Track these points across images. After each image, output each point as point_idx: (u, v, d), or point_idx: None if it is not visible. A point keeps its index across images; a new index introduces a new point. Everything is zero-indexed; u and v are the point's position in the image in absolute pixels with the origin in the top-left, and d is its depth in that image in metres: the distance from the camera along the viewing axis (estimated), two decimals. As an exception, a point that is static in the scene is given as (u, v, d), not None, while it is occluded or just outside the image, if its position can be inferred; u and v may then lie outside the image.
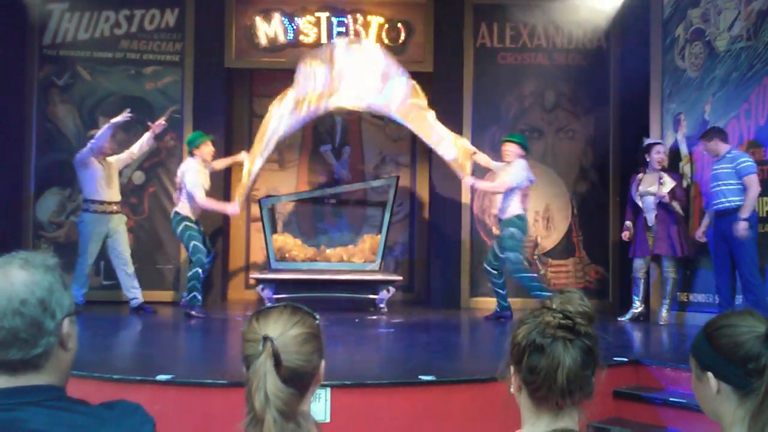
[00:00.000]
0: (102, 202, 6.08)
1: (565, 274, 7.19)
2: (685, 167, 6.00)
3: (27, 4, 6.70)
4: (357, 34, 7.36)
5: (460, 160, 5.98)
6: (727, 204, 5.06)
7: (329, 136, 7.87)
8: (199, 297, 5.89)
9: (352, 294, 6.45)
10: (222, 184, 7.02)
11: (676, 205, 5.71)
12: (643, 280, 5.91)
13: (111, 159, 6.23)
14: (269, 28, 7.32)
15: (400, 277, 6.89)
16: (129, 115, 6.04)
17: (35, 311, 1.14)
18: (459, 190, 7.00)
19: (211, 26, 7.13)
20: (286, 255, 6.83)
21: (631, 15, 6.73)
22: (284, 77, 7.77)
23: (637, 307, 5.89)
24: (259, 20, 7.31)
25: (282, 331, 1.30)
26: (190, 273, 5.94)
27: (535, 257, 7.22)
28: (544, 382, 1.24)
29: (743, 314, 1.37)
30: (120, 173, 6.35)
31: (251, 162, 6.08)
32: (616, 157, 7.22)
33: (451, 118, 7.18)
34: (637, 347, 4.92)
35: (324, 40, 7.33)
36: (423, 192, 7.87)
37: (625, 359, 3.89)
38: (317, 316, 1.39)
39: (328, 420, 2.99)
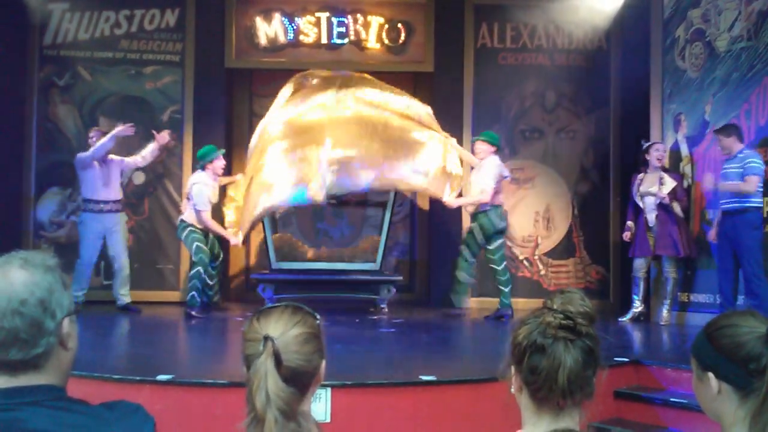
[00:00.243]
0: (99, 202, 6.09)
1: (566, 274, 7.19)
2: (686, 168, 6.00)
3: (27, 5, 6.70)
4: (357, 34, 7.35)
5: (443, 170, 6.01)
6: (735, 204, 5.05)
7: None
8: (198, 297, 5.91)
9: (353, 294, 6.45)
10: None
11: (676, 206, 5.70)
12: (643, 280, 5.90)
13: (114, 158, 6.25)
14: (269, 28, 7.32)
15: (401, 278, 6.88)
16: (132, 128, 6.08)
17: (35, 311, 1.14)
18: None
19: (212, 26, 7.13)
20: (287, 255, 6.83)
21: (632, 15, 6.73)
22: (284, 77, 7.79)
23: (637, 307, 5.89)
24: (259, 20, 7.30)
25: (283, 331, 1.30)
26: (191, 273, 6.02)
27: (536, 257, 7.21)
28: (545, 383, 1.24)
29: (744, 314, 1.37)
30: (121, 173, 6.35)
31: (246, 181, 6.13)
32: (616, 157, 7.22)
33: (451, 118, 7.18)
34: (638, 347, 4.91)
35: (324, 40, 7.34)
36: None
37: (626, 359, 3.89)
38: (318, 316, 1.39)
39: (328, 420, 2.99)
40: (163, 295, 6.89)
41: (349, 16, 7.35)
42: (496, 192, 5.92)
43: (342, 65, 7.40)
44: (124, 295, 6.19)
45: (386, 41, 7.36)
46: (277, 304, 1.39)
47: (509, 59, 7.31)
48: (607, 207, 7.22)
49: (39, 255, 1.20)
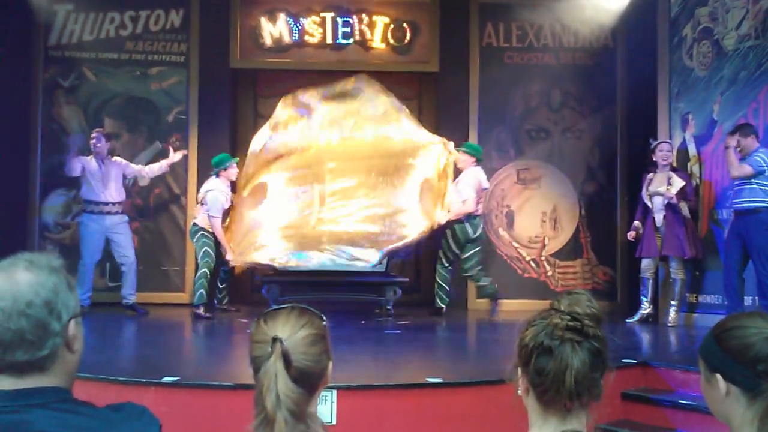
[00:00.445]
0: (98, 203, 6.13)
1: (573, 275, 7.16)
2: (694, 167, 5.97)
3: (32, 6, 6.72)
4: (362, 34, 7.35)
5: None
6: (747, 204, 5.03)
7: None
8: (205, 295, 6.02)
9: (358, 296, 6.44)
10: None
11: (683, 206, 5.67)
12: (651, 281, 5.87)
13: (116, 160, 6.28)
14: (274, 29, 7.32)
15: (407, 279, 6.86)
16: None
17: (41, 313, 1.14)
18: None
19: (216, 27, 7.14)
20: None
21: (638, 14, 6.69)
22: (289, 78, 7.80)
23: (646, 308, 5.86)
24: (264, 21, 7.31)
25: (291, 332, 1.30)
26: (197, 275, 6.15)
27: (543, 258, 7.19)
28: (552, 385, 1.23)
29: (753, 316, 1.36)
30: (123, 176, 6.39)
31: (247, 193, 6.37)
32: (623, 157, 7.19)
33: (457, 118, 7.18)
34: (646, 349, 4.89)
35: (329, 40, 7.33)
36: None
37: (634, 361, 3.87)
38: (324, 318, 1.39)
39: (334, 422, 2.99)
40: (168, 296, 6.89)
41: (354, 16, 7.35)
42: (477, 202, 6.17)
43: (347, 65, 7.41)
44: (131, 294, 6.21)
45: (391, 41, 7.35)
46: (283, 306, 1.39)
47: (515, 58, 7.29)
48: (614, 207, 7.19)
49: (44, 256, 1.20)
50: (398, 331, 5.47)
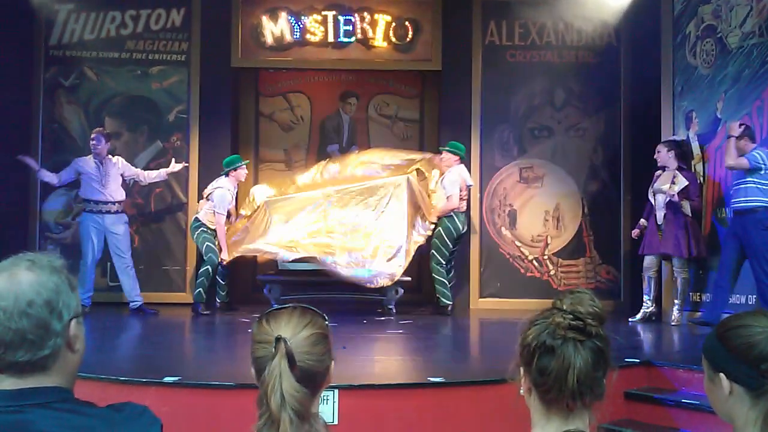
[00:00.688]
0: (98, 202, 6.15)
1: (576, 274, 7.15)
2: (698, 165, 5.95)
3: (33, 5, 6.73)
4: (364, 32, 7.34)
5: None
6: (744, 204, 5.02)
7: (336, 135, 7.86)
8: (204, 294, 6.16)
9: (360, 295, 6.44)
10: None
11: (685, 205, 5.65)
12: (654, 280, 5.86)
13: (116, 161, 6.29)
14: (276, 27, 7.31)
15: (409, 278, 6.85)
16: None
17: (42, 312, 1.14)
18: (467, 191, 6.97)
19: (218, 26, 7.13)
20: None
21: (642, 11, 6.67)
22: (291, 76, 7.79)
23: (648, 306, 5.84)
24: (265, 19, 7.30)
25: (294, 332, 1.31)
26: (200, 271, 6.26)
27: (545, 257, 7.17)
28: (555, 384, 1.23)
29: (756, 314, 1.35)
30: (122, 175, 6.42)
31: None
32: (627, 155, 7.16)
33: (459, 116, 7.17)
34: (649, 348, 4.88)
35: (331, 38, 7.32)
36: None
37: (637, 360, 3.87)
38: (326, 317, 1.39)
39: (335, 422, 2.98)
40: (169, 296, 6.89)
41: (356, 15, 7.33)
42: (461, 199, 6.38)
43: (349, 64, 7.42)
44: (137, 296, 6.23)
45: (393, 39, 7.34)
46: (285, 306, 1.39)
47: (518, 57, 7.27)
48: (617, 206, 7.17)
49: (46, 256, 1.20)
50: (400, 331, 5.47)
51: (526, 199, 7.19)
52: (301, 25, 7.31)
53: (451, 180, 6.37)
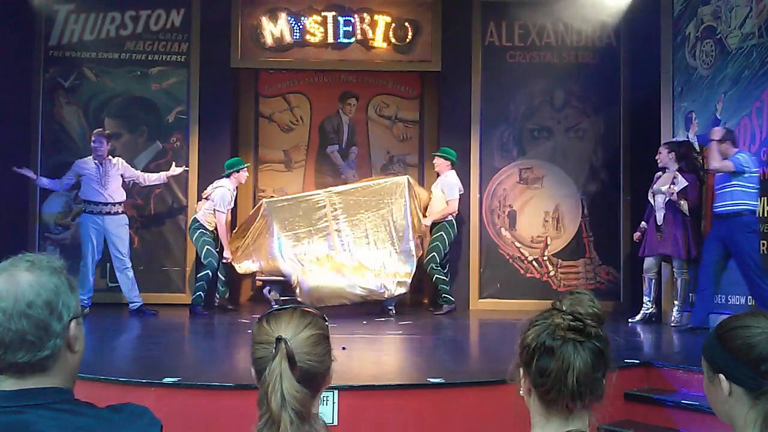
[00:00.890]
0: (98, 203, 6.14)
1: (576, 275, 7.15)
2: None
3: (33, 6, 6.73)
4: (364, 33, 7.34)
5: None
6: (729, 208, 5.06)
7: (336, 136, 7.86)
8: (203, 297, 6.21)
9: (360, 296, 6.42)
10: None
11: (683, 204, 5.65)
12: (654, 281, 5.85)
13: (117, 162, 6.29)
14: (275, 28, 7.31)
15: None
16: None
17: (42, 313, 1.14)
18: (467, 192, 6.97)
19: (217, 26, 7.13)
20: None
21: (641, 12, 6.67)
22: (290, 77, 7.79)
23: (648, 307, 5.83)
24: (265, 20, 7.30)
25: (295, 332, 1.31)
26: (200, 274, 6.30)
27: (545, 258, 7.17)
28: (554, 385, 1.23)
29: (756, 315, 1.35)
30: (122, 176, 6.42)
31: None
32: (626, 156, 7.16)
33: (459, 117, 7.17)
34: (649, 349, 4.87)
35: (330, 39, 7.32)
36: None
37: (637, 361, 3.86)
38: (326, 318, 1.39)
39: (335, 423, 2.98)
40: (169, 297, 6.89)
41: (356, 15, 7.33)
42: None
43: (348, 65, 7.42)
44: (137, 297, 6.23)
45: (393, 40, 7.34)
46: (285, 307, 1.39)
47: (517, 57, 7.27)
48: (617, 207, 7.17)
49: (45, 257, 1.20)
50: (399, 332, 5.47)
51: (525, 199, 7.19)
52: (301, 26, 7.31)
53: (450, 184, 6.49)
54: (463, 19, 7.21)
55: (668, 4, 6.23)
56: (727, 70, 5.63)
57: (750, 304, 5.14)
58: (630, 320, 5.84)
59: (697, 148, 5.97)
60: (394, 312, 6.31)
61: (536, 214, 7.17)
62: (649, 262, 5.85)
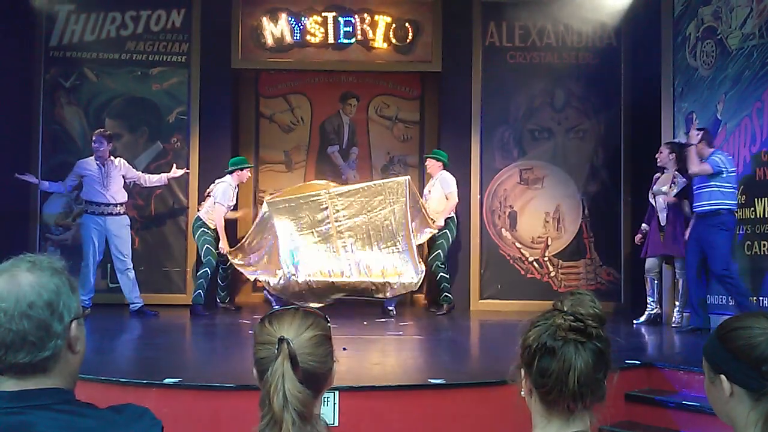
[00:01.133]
0: (99, 204, 6.14)
1: (576, 275, 7.15)
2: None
3: (33, 6, 6.73)
4: (364, 33, 7.35)
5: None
6: (707, 207, 5.14)
7: (336, 137, 7.86)
8: (203, 296, 6.22)
9: (361, 297, 6.43)
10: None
11: (685, 205, 5.66)
12: (657, 281, 5.85)
13: (118, 163, 6.30)
14: (276, 29, 7.32)
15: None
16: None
17: (43, 314, 1.14)
18: (468, 192, 6.98)
19: (218, 27, 7.14)
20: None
21: (642, 13, 6.68)
22: (291, 78, 7.80)
23: (653, 308, 5.82)
24: (265, 20, 7.31)
25: (297, 333, 1.31)
26: (199, 273, 6.33)
27: (546, 259, 7.17)
28: (555, 386, 1.23)
29: (757, 316, 1.35)
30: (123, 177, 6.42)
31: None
32: (627, 156, 7.17)
33: (459, 118, 7.17)
34: (650, 350, 4.87)
35: (331, 40, 7.33)
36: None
37: (638, 362, 3.86)
38: (328, 319, 1.39)
39: (336, 424, 2.98)
40: (169, 298, 6.89)
41: (356, 16, 7.34)
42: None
43: (349, 65, 7.43)
44: (137, 298, 6.22)
45: (393, 41, 7.35)
46: (287, 307, 1.39)
47: (518, 58, 7.28)
48: (618, 207, 7.17)
49: (46, 258, 1.20)
50: (400, 333, 5.47)
51: (526, 200, 7.19)
52: (301, 27, 7.31)
53: (447, 180, 6.53)
54: (463, 19, 7.22)
55: (668, 4, 6.23)
56: (728, 70, 5.62)
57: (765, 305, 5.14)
58: (635, 321, 5.83)
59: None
60: (394, 313, 6.31)
61: (537, 215, 7.17)
62: (651, 262, 5.84)
